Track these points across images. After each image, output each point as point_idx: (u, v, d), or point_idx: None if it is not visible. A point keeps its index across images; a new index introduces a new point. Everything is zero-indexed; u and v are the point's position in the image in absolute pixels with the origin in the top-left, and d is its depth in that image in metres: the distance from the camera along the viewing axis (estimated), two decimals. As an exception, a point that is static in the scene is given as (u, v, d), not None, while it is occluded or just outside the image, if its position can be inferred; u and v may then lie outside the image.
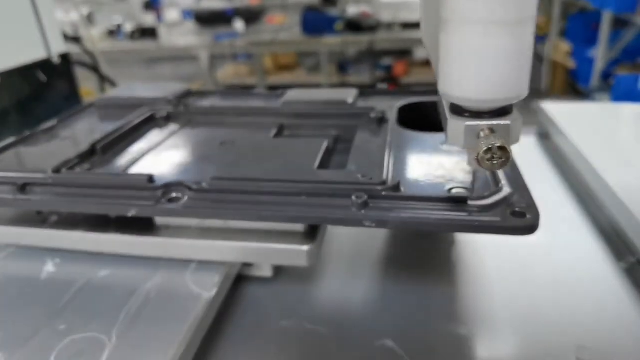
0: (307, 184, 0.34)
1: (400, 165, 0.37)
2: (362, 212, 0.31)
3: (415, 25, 2.30)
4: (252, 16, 2.62)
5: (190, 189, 0.34)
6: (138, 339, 0.32)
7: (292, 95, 0.52)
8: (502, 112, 0.27)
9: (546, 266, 0.41)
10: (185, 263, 0.39)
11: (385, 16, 2.30)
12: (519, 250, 0.43)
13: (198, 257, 0.37)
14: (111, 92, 0.57)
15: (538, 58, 3.99)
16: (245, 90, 0.57)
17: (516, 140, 0.28)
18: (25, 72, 0.70)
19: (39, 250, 0.42)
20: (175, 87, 0.56)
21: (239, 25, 2.42)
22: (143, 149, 0.45)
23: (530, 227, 0.30)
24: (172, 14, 2.74)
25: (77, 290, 0.37)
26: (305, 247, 0.35)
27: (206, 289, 0.36)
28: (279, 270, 0.42)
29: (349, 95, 0.51)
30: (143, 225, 0.38)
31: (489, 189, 0.33)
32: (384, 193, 0.32)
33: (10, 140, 0.49)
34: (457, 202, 0.32)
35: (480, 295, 0.38)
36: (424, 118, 0.49)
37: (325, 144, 0.42)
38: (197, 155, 0.42)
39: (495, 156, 0.26)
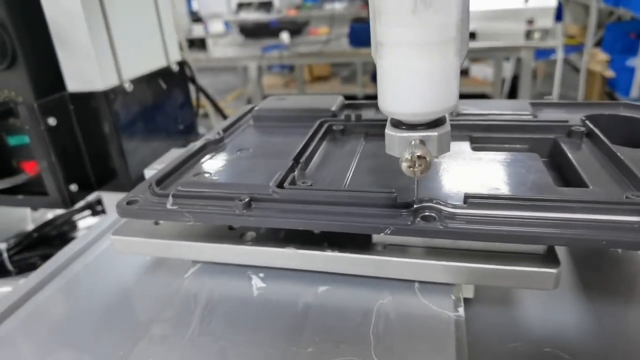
0: (575, 204, 0.31)
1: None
2: (659, 235, 0.28)
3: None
4: (296, 28, 2.62)
5: (444, 207, 0.32)
6: (406, 364, 0.29)
7: (466, 106, 0.50)
8: (434, 124, 0.30)
9: None
10: (404, 282, 0.36)
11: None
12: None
13: (430, 278, 0.35)
14: (264, 103, 0.55)
15: (573, 68, 3.93)
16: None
17: (447, 150, 0.31)
18: (149, 80, 0.69)
19: (233, 266, 0.40)
20: (330, 99, 0.54)
21: (285, 36, 2.42)
22: (342, 161, 0.42)
23: None
24: (216, 26, 2.76)
25: (303, 310, 0.35)
26: (554, 270, 0.32)
27: (448, 309, 0.33)
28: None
29: (525, 106, 0.49)
30: (357, 243, 0.36)
31: None
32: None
33: (183, 150, 0.47)
34: None
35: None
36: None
37: (539, 159, 0.40)
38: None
39: (416, 163, 0.29)
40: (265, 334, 0.33)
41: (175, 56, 0.75)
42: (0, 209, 0.71)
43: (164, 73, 0.72)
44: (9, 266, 0.76)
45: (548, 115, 0.49)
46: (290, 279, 0.38)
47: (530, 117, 0.47)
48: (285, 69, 3.86)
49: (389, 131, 0.31)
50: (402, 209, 0.32)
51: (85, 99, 0.62)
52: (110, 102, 0.61)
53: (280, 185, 0.36)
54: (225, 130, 0.50)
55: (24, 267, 0.77)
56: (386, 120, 0.48)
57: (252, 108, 0.55)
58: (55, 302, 0.43)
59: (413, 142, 0.30)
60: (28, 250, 0.79)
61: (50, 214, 0.90)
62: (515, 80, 3.45)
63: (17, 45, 0.57)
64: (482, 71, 3.53)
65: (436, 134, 0.30)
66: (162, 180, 0.40)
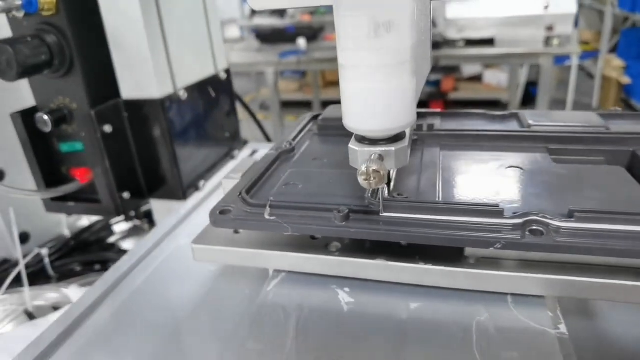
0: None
1: None
2: None
3: (479, 43, 2.27)
4: (311, 34, 2.63)
5: (551, 221, 0.32)
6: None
7: (535, 118, 0.49)
8: (394, 139, 0.32)
9: None
10: (496, 295, 0.36)
11: (451, 33, 2.29)
12: None
13: (527, 291, 0.34)
14: (328, 113, 0.55)
15: (587, 74, 3.91)
16: (465, 112, 0.54)
17: (405, 163, 0.33)
18: (200, 88, 0.69)
19: (315, 279, 0.40)
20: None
21: (301, 42, 2.43)
22: (426, 173, 0.42)
23: None
24: (232, 31, 2.78)
25: (399, 326, 0.34)
26: None
27: (547, 326, 0.33)
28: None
29: (594, 118, 0.49)
30: (448, 255, 0.36)
31: None
32: None
33: (252, 159, 0.47)
34: None
35: None
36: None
37: (626, 172, 0.39)
38: (497, 181, 0.40)
39: (371, 176, 0.30)
40: (366, 351, 0.32)
41: (223, 64, 0.75)
42: (37, 213, 0.71)
43: (213, 81, 0.72)
44: (51, 272, 0.76)
45: (619, 127, 0.48)
46: (378, 293, 0.37)
47: (603, 129, 0.46)
48: (298, 74, 3.87)
49: (352, 146, 0.33)
50: (510, 221, 0.32)
51: (139, 106, 0.62)
52: (165, 109, 0.62)
53: (374, 196, 0.36)
54: (294, 139, 0.50)
55: (65, 273, 0.77)
56: (459, 131, 0.49)
57: (315, 117, 0.55)
58: (122, 319, 0.40)
59: (372, 157, 0.31)
60: (67, 256, 0.79)
61: (86, 219, 0.90)
62: (528, 86, 3.44)
63: (75, 53, 0.57)
64: (495, 77, 3.53)
65: (393, 149, 0.32)
66: (250, 189, 0.40)
